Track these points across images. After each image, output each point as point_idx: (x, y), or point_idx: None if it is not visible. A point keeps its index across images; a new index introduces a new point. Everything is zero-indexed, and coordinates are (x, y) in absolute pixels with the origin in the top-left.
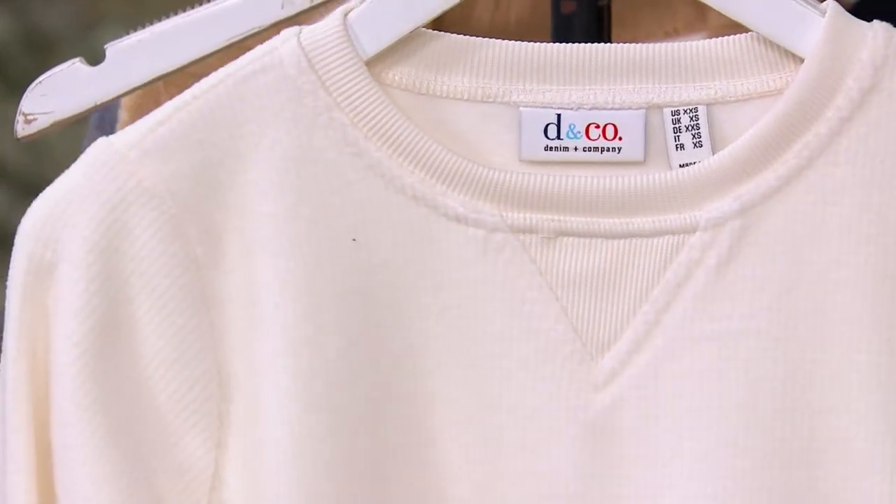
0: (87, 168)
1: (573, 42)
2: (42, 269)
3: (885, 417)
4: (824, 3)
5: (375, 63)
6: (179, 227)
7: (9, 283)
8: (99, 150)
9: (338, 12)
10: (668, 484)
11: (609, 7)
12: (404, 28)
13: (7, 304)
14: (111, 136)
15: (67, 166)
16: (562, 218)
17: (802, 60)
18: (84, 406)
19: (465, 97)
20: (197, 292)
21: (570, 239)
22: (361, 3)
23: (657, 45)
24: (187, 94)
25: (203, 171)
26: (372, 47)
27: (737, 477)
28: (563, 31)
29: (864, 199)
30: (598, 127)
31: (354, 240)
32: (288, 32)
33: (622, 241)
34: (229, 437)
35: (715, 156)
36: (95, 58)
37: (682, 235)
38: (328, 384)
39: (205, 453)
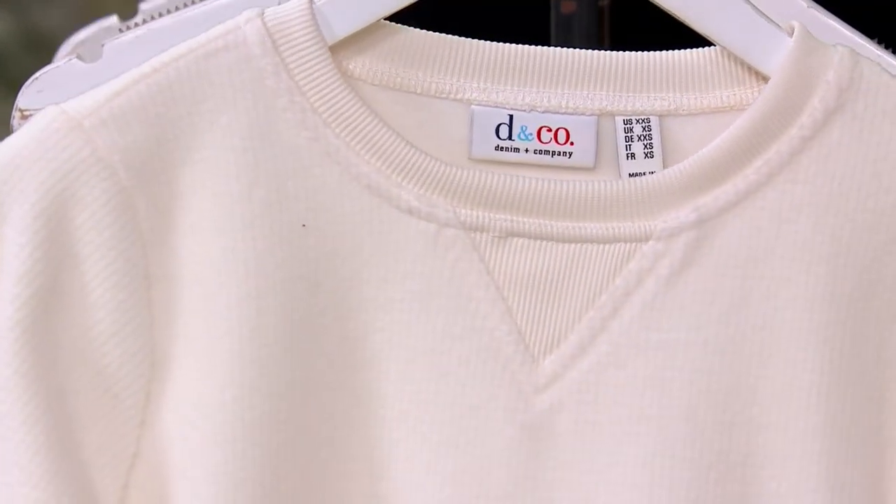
0: (37, 133)
1: (574, 43)
2: None
3: (823, 438)
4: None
5: (338, 49)
6: (130, 200)
7: None
8: (51, 117)
9: None
10: (604, 490)
11: (609, 8)
12: (371, 16)
13: None
14: (65, 104)
15: None
16: (514, 218)
17: (763, 78)
18: (22, 372)
19: (418, 91)
20: (140, 268)
21: (521, 240)
22: None
23: (615, 54)
24: (147, 66)
25: (158, 145)
26: (337, 33)
27: (674, 487)
28: (563, 32)
29: (820, 219)
30: (549, 130)
31: (304, 225)
32: (251, 12)
33: (573, 246)
34: (154, 417)
35: (675, 166)
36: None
37: (634, 244)
38: (264, 370)
39: (129, 430)
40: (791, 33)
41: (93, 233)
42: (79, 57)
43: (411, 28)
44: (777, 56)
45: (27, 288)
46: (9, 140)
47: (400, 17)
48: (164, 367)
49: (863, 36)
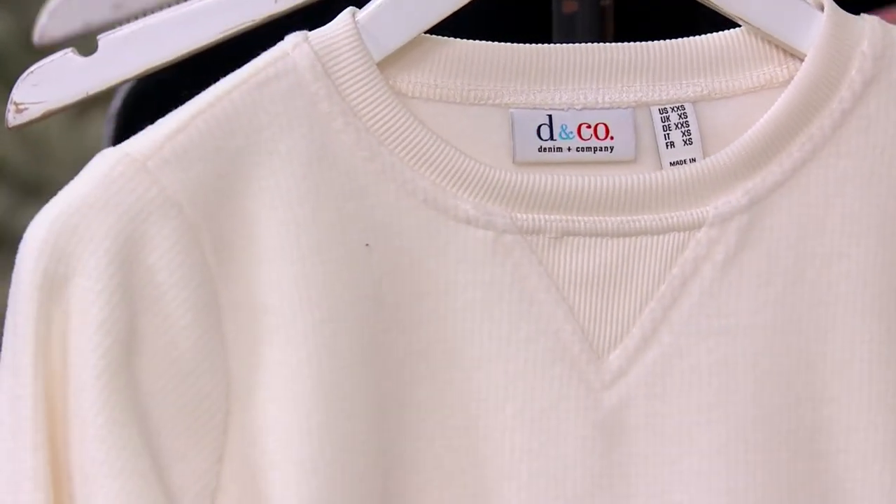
0: (101, 178)
1: (575, 42)
2: (55, 283)
3: (886, 408)
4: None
5: (384, 66)
6: (197, 236)
7: (16, 298)
8: (113, 160)
9: (346, 14)
10: (679, 481)
11: (612, 7)
12: (413, 31)
13: (13, 319)
14: (123, 145)
15: (68, 166)
16: (569, 218)
17: (791, 54)
18: (113, 420)
19: (458, 100)
20: (211, 303)
21: (577, 238)
22: (370, 3)
23: (644, 44)
24: (202, 101)
25: (219, 179)
26: (381, 50)
27: (749, 471)
28: (565, 31)
29: (865, 191)
30: (589, 127)
31: (367, 245)
32: (296, 37)
33: (628, 239)
34: (232, 448)
35: (723, 151)
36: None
37: (688, 232)
38: (344, 393)
39: (209, 468)
40: (820, 7)
41: (164, 273)
42: (74, 51)
43: (446, 38)
44: (810, 31)
45: (108, 336)
46: (70, 189)
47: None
48: (240, 400)
49: None
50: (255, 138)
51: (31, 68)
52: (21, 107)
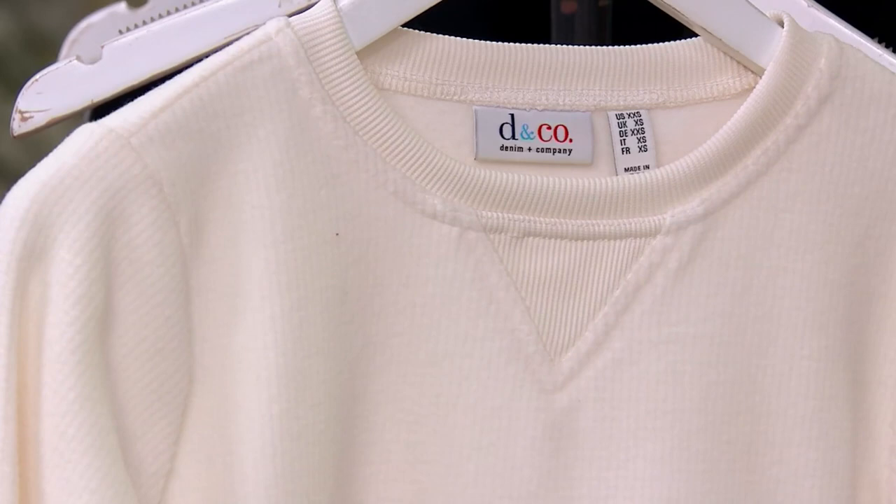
0: (86, 152)
1: (574, 42)
2: (34, 254)
3: (820, 423)
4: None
5: (363, 56)
6: (174, 215)
7: None
8: (97, 135)
9: (327, 1)
10: (623, 486)
11: (610, 8)
12: (393, 21)
13: None
14: (106, 120)
15: None
16: (530, 218)
17: (744, 67)
18: (85, 395)
19: (425, 94)
20: (182, 284)
21: (537, 239)
22: None
23: (607, 49)
24: (187, 80)
25: (198, 160)
26: (362, 39)
27: (690, 479)
28: (564, 31)
29: (813, 207)
30: (549, 128)
31: (337, 234)
32: (279, 21)
33: (586, 243)
34: (190, 431)
35: (682, 159)
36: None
37: (643, 238)
38: (307, 382)
39: (165, 448)
40: (780, 23)
41: (141, 250)
42: (78, 58)
43: (421, 32)
44: (770, 45)
45: (85, 310)
46: (52, 159)
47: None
48: (202, 383)
49: (863, 35)
50: (235, 121)
51: (36, 76)
52: (26, 115)
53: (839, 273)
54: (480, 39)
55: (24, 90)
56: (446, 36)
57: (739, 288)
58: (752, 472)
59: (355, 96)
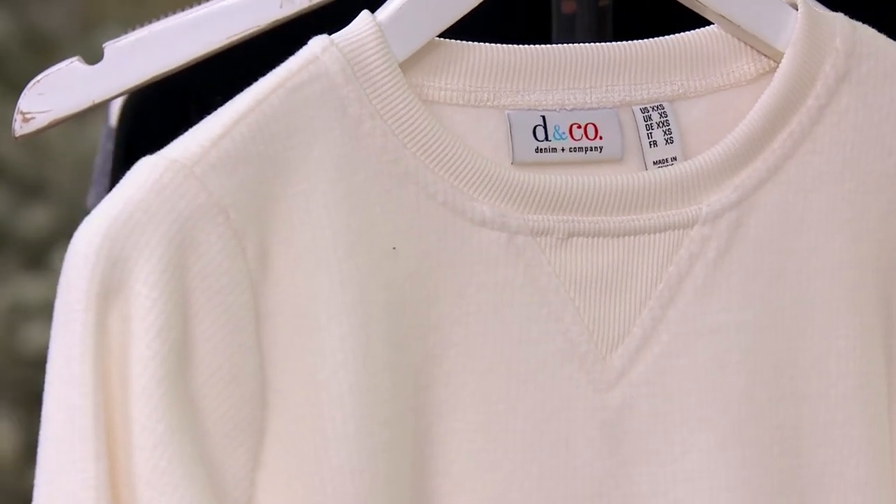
0: (152, 185)
1: (574, 42)
2: (111, 290)
3: (861, 401)
4: None
5: (404, 69)
6: (241, 242)
7: (69, 306)
8: (161, 167)
9: (367, 15)
10: (682, 479)
11: (610, 7)
12: (430, 33)
13: (67, 328)
14: (166, 152)
15: (67, 166)
16: (574, 218)
17: (758, 52)
18: (174, 427)
19: (461, 102)
20: (251, 308)
21: (581, 239)
22: (388, 5)
23: (624, 44)
24: (241, 105)
25: (259, 184)
26: (402, 53)
27: (746, 466)
28: (564, 31)
29: (838, 186)
30: (579, 127)
31: (394, 248)
32: (323, 40)
33: (628, 239)
34: (266, 456)
35: (713, 148)
36: (95, 59)
37: (682, 230)
38: (378, 398)
39: (244, 475)
40: (794, 6)
41: (211, 279)
42: (80, 59)
43: (452, 41)
44: (786, 28)
45: (165, 343)
46: (117, 195)
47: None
48: (276, 407)
49: None
50: (290, 143)
51: (38, 77)
52: (28, 116)
53: (867, 249)
54: (480, 39)
55: (25, 91)
56: (478, 43)
57: (775, 272)
58: (801, 454)
59: (402, 110)
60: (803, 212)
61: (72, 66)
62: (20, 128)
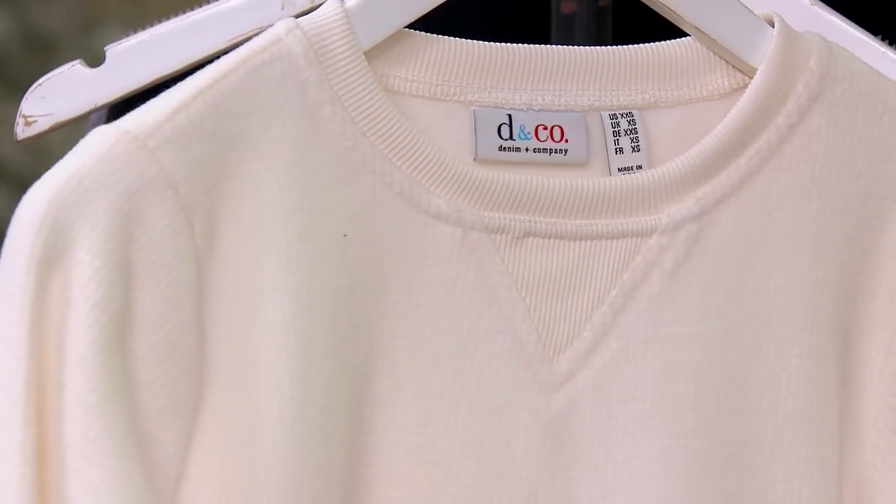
0: (103, 154)
1: (574, 42)
2: (53, 256)
3: (810, 422)
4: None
5: (369, 57)
6: (189, 217)
7: (11, 270)
8: (114, 137)
9: (333, 1)
10: (620, 485)
11: (610, 8)
12: (399, 23)
13: (7, 290)
14: (122, 122)
15: None
16: (531, 218)
17: (733, 67)
18: (107, 398)
19: (426, 95)
20: (195, 286)
21: (537, 239)
22: None
23: (602, 49)
24: (200, 81)
25: (212, 161)
26: (369, 40)
27: (687, 479)
28: (564, 31)
29: (803, 206)
30: (545, 128)
31: (345, 235)
32: (288, 22)
33: (584, 243)
34: (201, 434)
35: (677, 159)
36: (95, 59)
37: (640, 238)
38: (317, 383)
39: (176, 452)
40: (770, 23)
41: (156, 252)
42: (81, 62)
43: (422, 33)
44: (761, 45)
45: (104, 312)
46: (69, 162)
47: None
48: (214, 385)
49: (867, 33)
50: (247, 122)
51: (40, 80)
52: (30, 119)
53: (828, 271)
54: (480, 39)
55: (27, 94)
56: (448, 37)
57: (734, 287)
58: (746, 471)
59: (363, 98)
60: (766, 229)
61: (73, 70)
62: (22, 131)
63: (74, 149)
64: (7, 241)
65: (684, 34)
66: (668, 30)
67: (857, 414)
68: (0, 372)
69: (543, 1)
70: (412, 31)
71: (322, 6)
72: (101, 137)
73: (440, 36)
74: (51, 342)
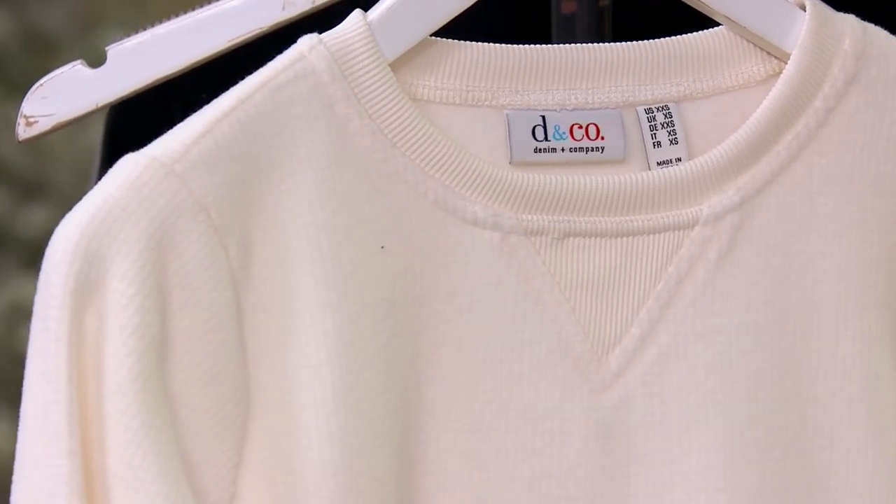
0: (132, 182)
1: (574, 42)
2: (87, 287)
3: (868, 405)
4: None
5: (395, 68)
6: (222, 240)
7: (47, 302)
8: (141, 165)
9: (358, 14)
10: (679, 479)
11: (610, 7)
12: (422, 32)
13: (43, 324)
14: (148, 150)
15: (68, 166)
16: (570, 218)
17: (767, 53)
18: (148, 424)
19: (457, 101)
20: (234, 307)
21: (577, 239)
22: (380, 4)
23: (629, 44)
24: (225, 104)
25: (242, 182)
26: (393, 52)
27: (744, 468)
28: (564, 31)
29: (847, 189)
30: (580, 127)
31: (382, 247)
32: (311, 39)
33: (626, 239)
34: (250, 454)
35: (714, 150)
36: (96, 59)
37: (682, 231)
38: (363, 396)
39: (227, 472)
40: (802, 6)
41: (192, 276)
42: (83, 63)
43: (447, 40)
44: (793, 29)
45: (142, 340)
46: (98, 192)
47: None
48: (259, 405)
49: None
50: (275, 141)
51: (41, 81)
52: (31, 119)
53: (876, 252)
54: (479, 39)
55: (29, 95)
56: (474, 42)
57: (780, 274)
58: (804, 457)
59: (391, 109)
60: (809, 214)
61: (75, 70)
62: (24, 132)
63: (103, 179)
64: (41, 275)
65: (684, 32)
66: (668, 30)
67: None
68: (41, 405)
69: (543, 1)
70: (436, 38)
71: (345, 20)
72: (128, 165)
73: (465, 42)
74: (90, 372)
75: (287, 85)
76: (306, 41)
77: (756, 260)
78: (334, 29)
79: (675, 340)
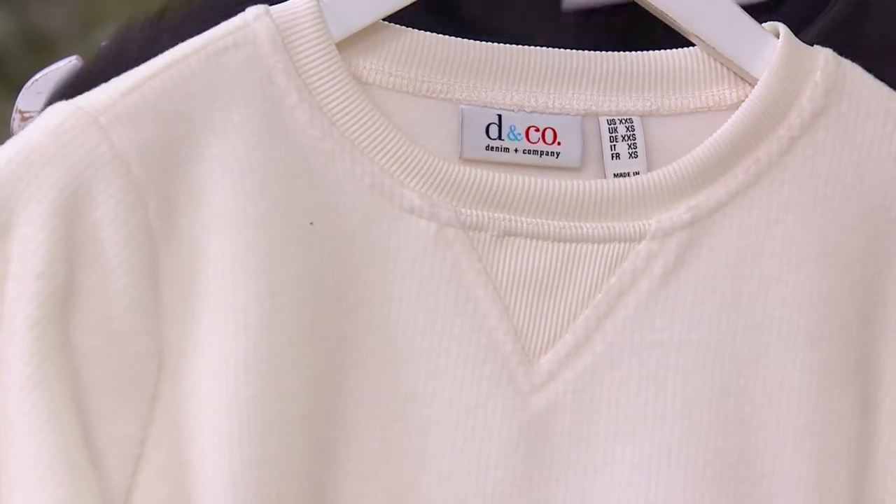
0: (53, 130)
1: (573, 45)
2: None
3: (813, 437)
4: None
5: (342, 47)
6: (143, 197)
7: None
8: (66, 113)
9: None
10: (600, 490)
11: (610, 9)
12: (374, 14)
13: None
14: (77, 99)
15: None
16: (511, 217)
17: (743, 78)
18: (43, 371)
19: (410, 90)
20: (151, 266)
21: (518, 239)
22: None
23: (601, 54)
24: (159, 63)
25: (170, 142)
26: (342, 31)
27: (670, 486)
28: (563, 32)
29: (807, 220)
30: (537, 130)
31: (311, 223)
32: (258, 9)
33: (569, 245)
34: (160, 418)
35: (669, 166)
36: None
37: (628, 243)
38: (277, 369)
39: (134, 432)
40: (776, 34)
41: (107, 230)
42: (78, 58)
43: (404, 28)
44: (764, 57)
45: (46, 286)
46: (21, 137)
47: (399, 17)
48: (172, 367)
49: None
50: (208, 105)
51: (36, 76)
52: (26, 115)
53: (835, 288)
54: (478, 39)
55: (23, 90)
56: (428, 32)
57: (728, 297)
58: (743, 482)
59: (333, 86)
60: (765, 240)
61: (70, 65)
62: (18, 126)
63: (32, 124)
64: None
65: (681, 37)
66: (667, 31)
67: (872, 436)
68: None
69: (543, 0)
70: (392, 24)
71: None
72: (53, 113)
73: (423, 32)
74: None
75: (226, 51)
76: (252, 10)
77: (704, 280)
78: (285, 3)
79: (611, 351)
